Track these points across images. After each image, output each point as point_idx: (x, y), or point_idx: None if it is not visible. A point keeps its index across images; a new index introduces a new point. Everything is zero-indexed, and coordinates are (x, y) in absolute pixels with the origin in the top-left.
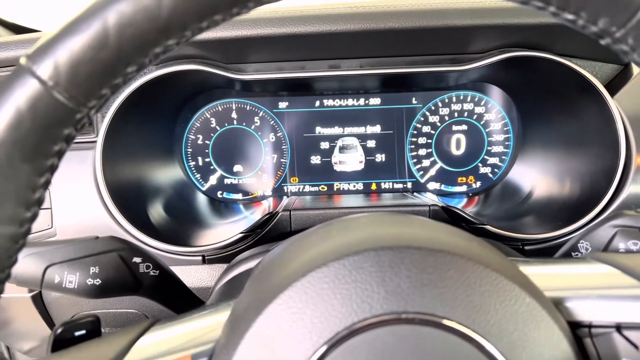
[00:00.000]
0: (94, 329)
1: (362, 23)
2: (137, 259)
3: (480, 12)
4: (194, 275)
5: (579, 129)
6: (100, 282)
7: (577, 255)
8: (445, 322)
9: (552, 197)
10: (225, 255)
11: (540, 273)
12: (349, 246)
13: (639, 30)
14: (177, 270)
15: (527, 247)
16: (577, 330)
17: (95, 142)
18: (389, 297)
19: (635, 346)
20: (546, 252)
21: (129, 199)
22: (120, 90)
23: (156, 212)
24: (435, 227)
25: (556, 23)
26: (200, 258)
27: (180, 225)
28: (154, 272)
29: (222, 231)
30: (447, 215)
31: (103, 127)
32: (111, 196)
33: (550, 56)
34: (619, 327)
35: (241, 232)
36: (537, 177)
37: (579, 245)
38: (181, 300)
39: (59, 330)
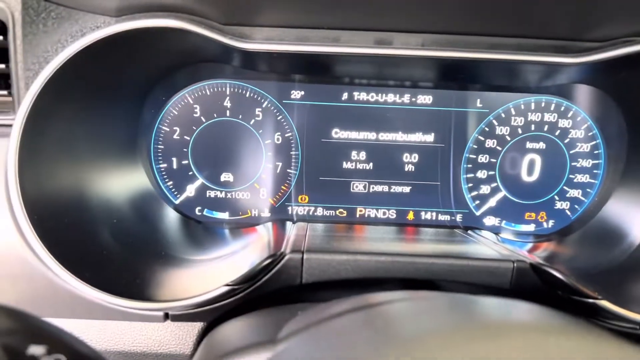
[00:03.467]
0: None
1: None
2: (35, 350)
3: None
4: (152, 336)
5: None
6: None
7: None
8: None
9: None
10: (198, 312)
11: None
12: None
13: None
14: (129, 327)
15: None
16: None
17: (10, 126)
18: None
19: None
20: None
21: (58, 220)
22: (57, 51)
23: (101, 240)
24: None
25: None
26: (161, 314)
27: (136, 260)
28: None
29: (197, 272)
30: (539, 278)
31: (25, 104)
32: (28, 215)
33: None
34: None
35: (227, 285)
36: None
37: None
38: None
39: None
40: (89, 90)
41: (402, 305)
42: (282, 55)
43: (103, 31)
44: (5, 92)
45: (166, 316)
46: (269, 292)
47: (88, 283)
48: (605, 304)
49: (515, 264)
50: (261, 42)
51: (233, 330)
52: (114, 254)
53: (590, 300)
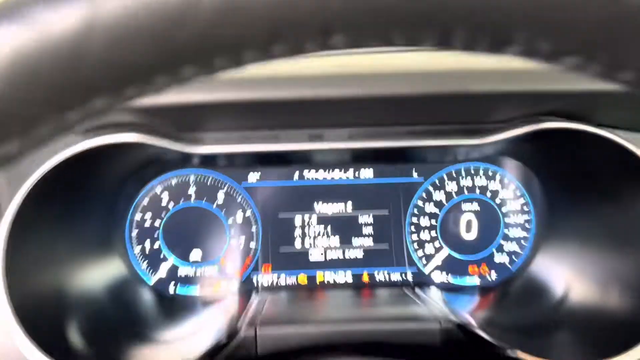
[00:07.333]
0: None
1: (354, 88)
2: None
3: (506, 76)
4: None
5: (627, 222)
6: None
7: None
8: None
9: (594, 309)
10: None
11: None
12: None
13: None
14: None
15: None
16: None
17: None
18: None
19: None
20: None
21: (43, 318)
22: (35, 167)
23: (79, 327)
24: None
25: (598, 90)
26: None
27: (111, 344)
28: None
29: (167, 352)
30: (464, 336)
31: (8, 217)
32: (19, 317)
33: (589, 128)
34: None
35: None
36: (570, 277)
37: None
38: None
39: None
40: (66, 198)
41: None
42: (232, 155)
43: (73, 148)
44: None
45: None
46: None
47: None
48: (519, 355)
49: (441, 325)
50: (213, 144)
51: None
52: (91, 340)
53: (508, 354)
